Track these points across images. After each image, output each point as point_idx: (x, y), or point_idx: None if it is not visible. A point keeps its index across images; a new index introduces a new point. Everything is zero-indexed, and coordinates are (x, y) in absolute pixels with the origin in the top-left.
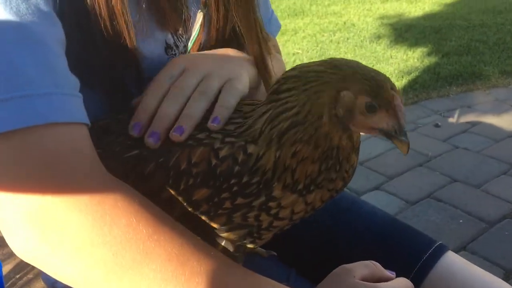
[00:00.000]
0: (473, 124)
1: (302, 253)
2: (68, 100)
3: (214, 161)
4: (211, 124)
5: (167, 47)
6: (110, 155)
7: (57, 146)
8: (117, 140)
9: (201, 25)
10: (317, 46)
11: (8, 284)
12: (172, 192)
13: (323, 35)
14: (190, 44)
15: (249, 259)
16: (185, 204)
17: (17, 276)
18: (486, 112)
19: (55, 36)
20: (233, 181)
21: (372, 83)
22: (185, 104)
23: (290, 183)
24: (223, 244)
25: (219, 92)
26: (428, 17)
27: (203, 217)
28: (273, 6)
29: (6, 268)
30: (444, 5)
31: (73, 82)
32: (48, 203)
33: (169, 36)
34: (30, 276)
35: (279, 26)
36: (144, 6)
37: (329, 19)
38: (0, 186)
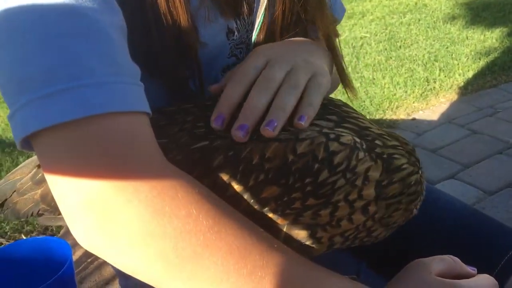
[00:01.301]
0: None
1: (374, 245)
2: (129, 89)
3: (291, 157)
4: (298, 122)
5: (229, 32)
6: (175, 146)
7: (116, 135)
8: (183, 131)
9: (265, 9)
10: (386, 29)
11: (80, 268)
12: (240, 187)
13: (392, 17)
14: (255, 31)
15: None
16: (251, 201)
17: (89, 260)
18: None
19: (116, 23)
20: (308, 180)
21: None
22: (273, 97)
23: None
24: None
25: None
26: None
27: (269, 215)
28: None
29: (78, 253)
30: None
31: (134, 70)
32: (108, 193)
33: (232, 20)
34: (100, 260)
35: (344, 10)
36: None
37: (399, 0)
38: (62, 175)
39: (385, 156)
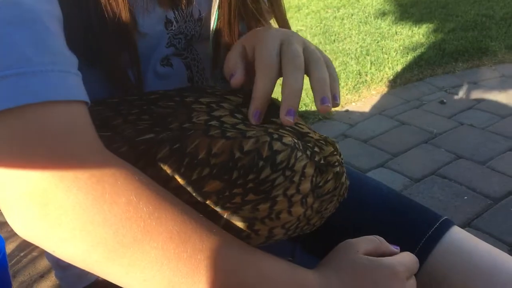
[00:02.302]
0: (479, 100)
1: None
2: (65, 77)
3: (237, 154)
4: (335, 102)
5: (167, 22)
6: (119, 138)
7: (54, 124)
8: (127, 123)
9: (219, 4)
10: (321, 22)
11: (13, 262)
12: (183, 180)
13: (327, 12)
14: (213, 23)
15: None
16: (194, 194)
17: (22, 254)
18: (492, 88)
19: (52, 12)
20: (250, 177)
21: None
22: (304, 74)
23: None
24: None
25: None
26: None
27: (209, 208)
28: None
29: (11, 246)
30: None
31: (71, 59)
32: (47, 182)
33: (170, 10)
34: (34, 254)
35: None
36: None
37: None
38: None
39: (321, 161)
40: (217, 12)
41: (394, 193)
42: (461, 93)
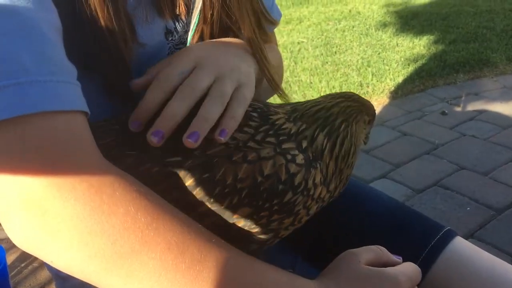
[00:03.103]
0: (480, 111)
1: (307, 240)
2: (64, 87)
3: (259, 178)
4: (218, 137)
5: (167, 33)
6: (148, 158)
7: (52, 134)
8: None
9: (200, 11)
10: (322, 34)
11: (13, 273)
12: (212, 207)
13: (328, 24)
14: (190, 33)
15: None
16: (223, 220)
17: (22, 265)
18: (493, 99)
19: (51, 23)
20: (275, 201)
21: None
22: (193, 105)
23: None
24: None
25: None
26: (435, 4)
27: (235, 228)
28: None
29: (11, 257)
30: None
31: (70, 70)
32: (44, 191)
33: (170, 21)
34: (35, 264)
35: (280, 15)
36: None
37: (334, 7)
38: None
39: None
40: (197, 18)
41: (396, 203)
42: (463, 104)
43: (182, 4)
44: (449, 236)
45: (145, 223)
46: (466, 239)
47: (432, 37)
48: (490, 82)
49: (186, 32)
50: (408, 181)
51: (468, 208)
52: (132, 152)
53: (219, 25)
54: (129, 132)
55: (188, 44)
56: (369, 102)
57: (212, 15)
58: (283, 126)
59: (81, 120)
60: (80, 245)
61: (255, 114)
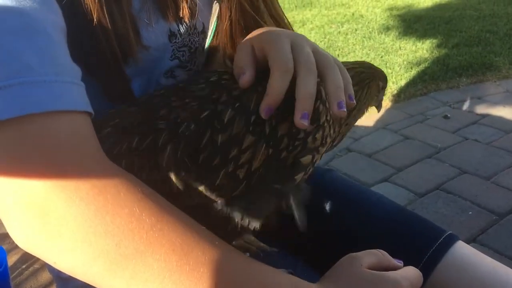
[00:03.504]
0: (483, 115)
1: (308, 243)
2: (69, 88)
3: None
4: (350, 102)
5: (171, 35)
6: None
7: (56, 134)
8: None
9: (218, 17)
10: (325, 37)
11: (15, 274)
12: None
13: (331, 27)
14: (209, 39)
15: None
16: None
17: (24, 266)
18: (496, 103)
19: (56, 23)
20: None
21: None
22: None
23: None
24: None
25: None
26: (438, 8)
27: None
28: None
29: (13, 258)
30: None
31: (75, 70)
32: (47, 191)
33: (174, 23)
34: (36, 266)
35: None
36: None
37: (337, 10)
38: (1, 175)
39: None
40: (215, 24)
41: (398, 207)
42: (465, 108)
43: (186, 7)
44: (450, 241)
45: (150, 224)
46: (468, 243)
47: (435, 41)
48: (493, 86)
49: (190, 34)
50: (410, 185)
51: (470, 213)
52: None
53: (238, 29)
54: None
55: (206, 48)
56: (381, 70)
57: (230, 19)
58: None
59: (85, 120)
60: (84, 246)
61: None
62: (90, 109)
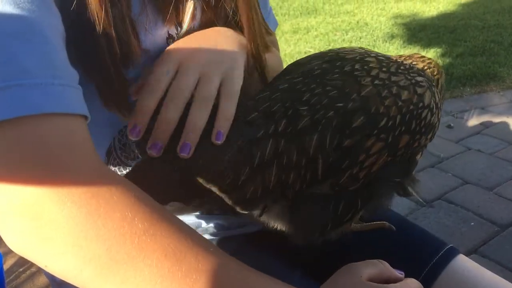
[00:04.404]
0: (487, 125)
1: (307, 253)
2: (65, 91)
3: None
4: (215, 141)
5: (169, 38)
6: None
7: (52, 137)
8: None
9: (191, 15)
10: (329, 45)
11: (11, 277)
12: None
13: (335, 34)
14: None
15: (254, 257)
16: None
17: (20, 270)
18: (500, 113)
19: (55, 27)
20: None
21: None
22: (183, 108)
23: None
24: None
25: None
26: (443, 17)
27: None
28: (286, 5)
29: (9, 262)
30: (459, 5)
31: (72, 74)
32: (40, 194)
33: (173, 27)
34: (33, 269)
35: (276, 24)
36: None
37: (342, 18)
38: None
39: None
40: (185, 27)
41: (400, 218)
42: (469, 118)
43: (186, 11)
44: (451, 254)
45: (142, 229)
46: (470, 254)
47: (439, 50)
48: (496, 97)
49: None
50: None
51: (472, 223)
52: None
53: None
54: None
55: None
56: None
57: (209, 17)
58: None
59: (81, 124)
60: (75, 250)
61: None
62: (86, 113)
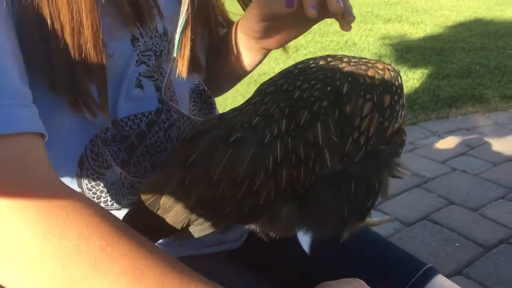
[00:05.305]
0: (472, 147)
1: (284, 269)
2: (15, 111)
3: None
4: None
5: (133, 39)
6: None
7: (4, 157)
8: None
9: (188, 5)
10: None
11: None
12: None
13: (324, 53)
14: (179, 29)
15: (233, 275)
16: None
17: None
18: (485, 135)
19: (4, 47)
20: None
21: None
22: None
23: None
24: None
25: None
26: (430, 39)
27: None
28: None
29: None
30: (446, 28)
31: (24, 93)
32: None
33: (135, 28)
34: None
35: None
36: (103, 1)
37: (331, 37)
38: None
39: None
40: (183, 20)
41: (380, 238)
42: (454, 139)
43: (147, 11)
44: (430, 274)
45: (100, 247)
46: (454, 275)
47: (426, 71)
48: (482, 118)
49: (152, 38)
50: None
51: (457, 244)
52: None
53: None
54: None
55: (177, 45)
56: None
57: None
58: None
59: (35, 142)
60: (30, 269)
61: None
62: (41, 130)
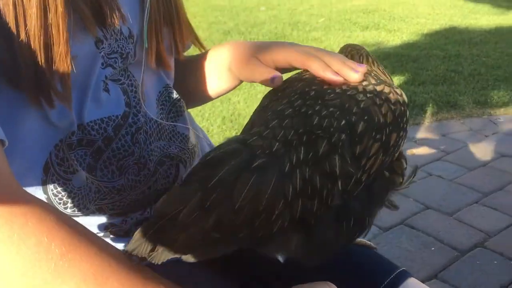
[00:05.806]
0: (447, 152)
1: (257, 274)
2: None
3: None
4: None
5: (97, 41)
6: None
7: None
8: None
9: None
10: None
11: None
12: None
13: None
14: (145, 24)
15: (207, 280)
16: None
17: None
18: (460, 141)
19: None
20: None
21: None
22: None
23: None
24: None
25: None
26: (406, 47)
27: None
28: (255, 30)
29: None
30: (422, 35)
31: None
32: None
33: (98, 30)
34: None
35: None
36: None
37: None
38: None
39: None
40: (146, 26)
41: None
42: (430, 145)
43: (109, 14)
44: (402, 277)
45: (59, 254)
46: (430, 279)
47: (402, 78)
48: (457, 124)
49: (117, 40)
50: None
51: (433, 248)
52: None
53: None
54: None
55: (145, 45)
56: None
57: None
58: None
59: None
60: None
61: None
62: (1, 137)
